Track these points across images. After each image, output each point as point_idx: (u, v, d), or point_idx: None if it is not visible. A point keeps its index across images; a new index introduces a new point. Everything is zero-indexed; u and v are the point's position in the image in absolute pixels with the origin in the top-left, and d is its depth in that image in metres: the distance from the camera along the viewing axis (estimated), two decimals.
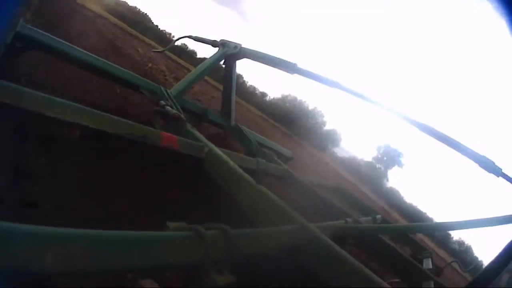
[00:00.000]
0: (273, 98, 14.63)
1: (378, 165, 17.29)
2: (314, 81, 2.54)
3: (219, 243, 0.88)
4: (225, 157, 1.63)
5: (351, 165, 14.86)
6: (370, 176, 15.00)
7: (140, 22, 11.37)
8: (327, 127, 15.82)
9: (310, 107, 15.47)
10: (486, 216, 1.86)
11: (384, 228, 2.50)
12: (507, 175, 2.02)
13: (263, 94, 14.35)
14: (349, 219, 2.04)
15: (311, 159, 9.02)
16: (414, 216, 13.59)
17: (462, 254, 13.21)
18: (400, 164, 17.61)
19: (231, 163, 1.59)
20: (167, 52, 6.24)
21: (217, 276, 0.84)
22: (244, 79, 13.02)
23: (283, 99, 14.90)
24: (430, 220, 14.55)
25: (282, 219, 1.34)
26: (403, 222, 10.43)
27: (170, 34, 12.70)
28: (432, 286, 1.97)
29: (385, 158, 17.54)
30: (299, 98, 15.20)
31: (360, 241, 2.06)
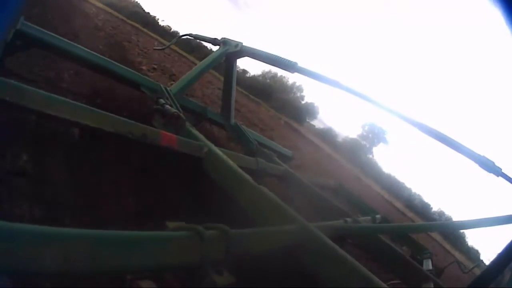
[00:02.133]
0: (254, 74, 15.07)
1: (363, 142, 17.55)
2: (314, 80, 2.54)
3: (218, 243, 0.88)
4: (224, 157, 1.62)
5: (327, 136, 15.09)
6: (347, 147, 15.13)
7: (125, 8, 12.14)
8: (306, 100, 16.50)
9: (290, 82, 16.05)
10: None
11: (384, 228, 2.50)
12: (506, 175, 2.02)
13: (244, 71, 14.94)
14: (348, 219, 2.04)
15: (285, 130, 9.24)
16: (390, 185, 13.73)
17: None
18: (385, 141, 17.90)
19: (231, 163, 1.58)
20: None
21: (216, 276, 0.84)
22: None
23: (264, 75, 15.29)
24: (408, 189, 14.70)
25: (281, 219, 1.33)
26: (376, 188, 10.50)
27: (155, 17, 13.13)
28: (432, 287, 1.97)
29: (370, 135, 17.72)
30: (279, 74, 15.84)
31: (360, 241, 2.06)
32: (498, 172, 2.00)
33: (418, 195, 15.31)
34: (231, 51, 2.72)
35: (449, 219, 14.22)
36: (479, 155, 2.04)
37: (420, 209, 13.49)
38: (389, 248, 2.08)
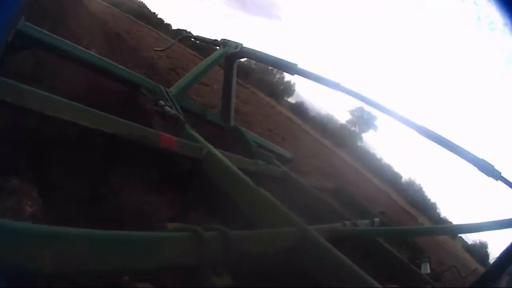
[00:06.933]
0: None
1: (352, 128, 17.48)
2: (315, 82, 2.55)
3: (217, 245, 0.88)
4: (224, 158, 1.63)
5: (299, 109, 15.40)
6: (318, 119, 15.47)
7: None
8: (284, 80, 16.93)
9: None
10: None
11: (382, 231, 2.50)
12: (506, 179, 2.02)
13: None
14: (347, 222, 2.04)
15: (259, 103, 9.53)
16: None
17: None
18: (374, 128, 17.70)
19: (230, 164, 1.59)
20: None
21: (215, 278, 0.84)
22: None
23: (248, 60, 15.58)
24: (378, 160, 14.80)
25: (280, 221, 1.33)
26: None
27: None
28: None
29: (359, 122, 17.61)
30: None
31: (358, 244, 2.06)
32: (497, 176, 1.99)
33: (388, 165, 15.32)
34: (231, 52, 2.72)
35: (420, 188, 14.34)
36: (478, 158, 2.04)
37: (391, 178, 13.59)
38: (387, 252, 2.08)
